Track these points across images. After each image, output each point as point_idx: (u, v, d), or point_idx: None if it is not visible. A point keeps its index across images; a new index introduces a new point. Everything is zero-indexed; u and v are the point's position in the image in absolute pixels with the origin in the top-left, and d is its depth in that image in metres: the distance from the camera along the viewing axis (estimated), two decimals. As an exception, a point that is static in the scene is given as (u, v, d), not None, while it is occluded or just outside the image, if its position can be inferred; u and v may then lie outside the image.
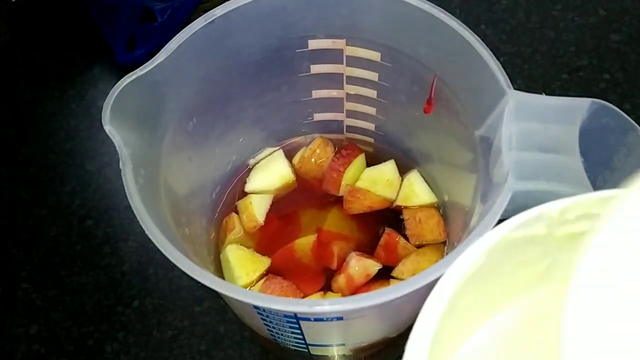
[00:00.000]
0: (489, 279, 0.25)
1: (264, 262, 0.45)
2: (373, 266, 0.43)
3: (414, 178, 0.48)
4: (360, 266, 0.43)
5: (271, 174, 0.49)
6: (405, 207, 0.46)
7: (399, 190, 0.48)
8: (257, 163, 0.51)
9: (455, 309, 0.23)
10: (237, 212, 0.49)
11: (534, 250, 0.26)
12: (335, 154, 0.50)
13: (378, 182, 0.48)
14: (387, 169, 0.49)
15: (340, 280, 0.44)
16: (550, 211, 0.24)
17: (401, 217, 0.47)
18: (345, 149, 0.50)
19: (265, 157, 0.51)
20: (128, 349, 0.49)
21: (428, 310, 0.22)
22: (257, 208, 0.47)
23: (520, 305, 0.27)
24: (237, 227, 0.47)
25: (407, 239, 0.46)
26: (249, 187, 0.49)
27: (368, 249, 0.46)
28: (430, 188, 0.48)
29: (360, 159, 0.49)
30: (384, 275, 0.44)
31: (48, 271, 0.54)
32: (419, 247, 0.45)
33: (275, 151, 0.51)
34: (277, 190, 0.49)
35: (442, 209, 0.47)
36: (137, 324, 0.50)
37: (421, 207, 0.47)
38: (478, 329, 0.27)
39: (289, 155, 0.51)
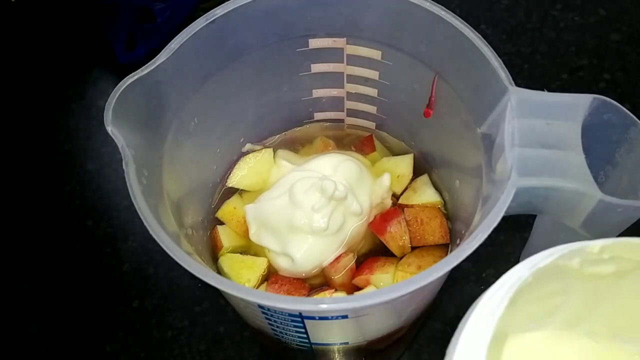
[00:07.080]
0: (521, 302, 0.26)
1: (262, 263, 0.44)
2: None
3: (423, 182, 0.47)
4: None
5: (257, 174, 0.48)
6: (408, 206, 0.46)
7: (405, 188, 0.47)
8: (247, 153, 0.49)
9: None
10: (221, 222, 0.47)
11: (556, 284, 0.27)
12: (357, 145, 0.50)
13: (390, 173, 0.46)
14: (404, 163, 0.48)
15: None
16: (593, 246, 0.25)
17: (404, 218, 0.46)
18: (362, 142, 0.49)
19: (257, 150, 0.49)
20: (128, 349, 0.49)
21: (480, 313, 0.23)
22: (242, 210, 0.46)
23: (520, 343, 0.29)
24: (226, 241, 0.45)
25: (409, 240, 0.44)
26: (231, 182, 0.48)
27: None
28: (437, 190, 0.46)
29: (374, 155, 0.49)
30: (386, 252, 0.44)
31: (48, 271, 0.53)
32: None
33: (263, 148, 0.49)
34: (258, 192, 0.47)
35: (445, 207, 0.46)
36: (137, 324, 0.50)
37: (424, 206, 0.45)
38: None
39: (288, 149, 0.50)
